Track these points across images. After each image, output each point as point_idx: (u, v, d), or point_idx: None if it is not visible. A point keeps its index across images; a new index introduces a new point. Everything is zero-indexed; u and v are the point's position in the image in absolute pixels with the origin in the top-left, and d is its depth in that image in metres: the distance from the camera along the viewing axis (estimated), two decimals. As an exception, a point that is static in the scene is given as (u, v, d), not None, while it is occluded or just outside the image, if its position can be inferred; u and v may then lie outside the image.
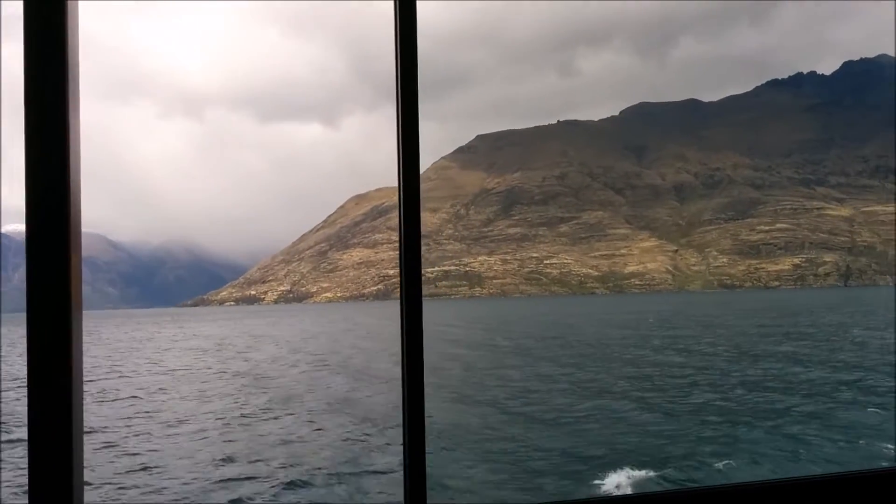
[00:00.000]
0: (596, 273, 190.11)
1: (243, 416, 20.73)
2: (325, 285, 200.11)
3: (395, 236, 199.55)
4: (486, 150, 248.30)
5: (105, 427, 19.45)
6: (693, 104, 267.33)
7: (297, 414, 20.90)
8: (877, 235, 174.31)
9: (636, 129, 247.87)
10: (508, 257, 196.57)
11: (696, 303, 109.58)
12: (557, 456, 14.45)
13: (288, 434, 17.86)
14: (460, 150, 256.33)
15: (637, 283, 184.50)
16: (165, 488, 13.14)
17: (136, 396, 25.74)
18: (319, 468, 14.06)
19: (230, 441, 17.16)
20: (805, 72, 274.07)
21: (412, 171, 1.90)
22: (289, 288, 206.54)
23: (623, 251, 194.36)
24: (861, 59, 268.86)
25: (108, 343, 58.89)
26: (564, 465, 13.72)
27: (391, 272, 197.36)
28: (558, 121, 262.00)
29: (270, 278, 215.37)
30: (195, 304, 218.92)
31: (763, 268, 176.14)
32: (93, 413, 22.08)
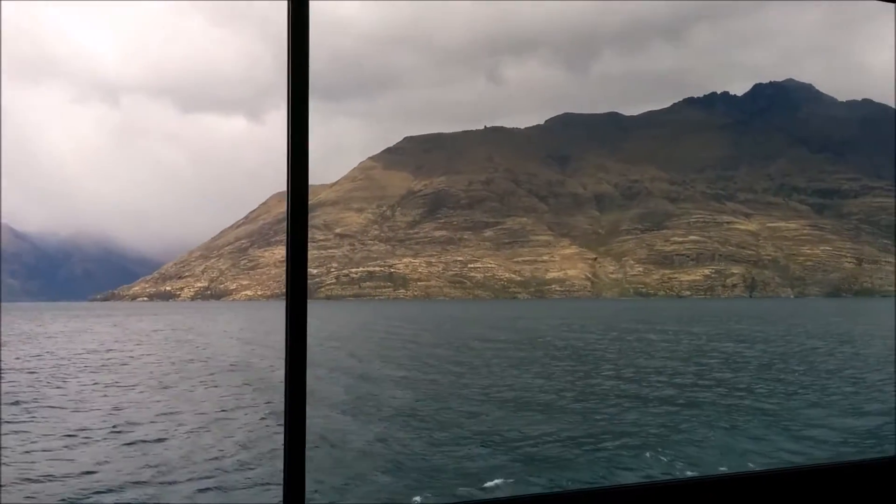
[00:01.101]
0: (519, 278, 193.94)
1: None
2: (245, 283, 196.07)
3: (320, 234, 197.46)
4: (414, 152, 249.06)
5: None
6: (614, 117, 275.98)
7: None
8: (780, 250, 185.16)
9: (560, 139, 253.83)
10: (433, 260, 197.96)
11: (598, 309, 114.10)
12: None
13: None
14: (388, 150, 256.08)
15: (558, 288, 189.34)
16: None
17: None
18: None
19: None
20: (718, 92, 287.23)
21: (300, 175, 1.96)
22: (206, 284, 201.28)
23: (545, 257, 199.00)
24: (770, 82, 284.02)
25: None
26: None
27: (315, 271, 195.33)
28: (485, 126, 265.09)
29: (187, 274, 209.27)
30: (106, 299, 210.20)
31: (676, 277, 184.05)
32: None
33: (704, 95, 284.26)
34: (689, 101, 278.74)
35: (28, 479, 14.14)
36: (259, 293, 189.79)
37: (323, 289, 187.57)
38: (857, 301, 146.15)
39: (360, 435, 17.88)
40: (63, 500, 12.76)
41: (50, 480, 14.11)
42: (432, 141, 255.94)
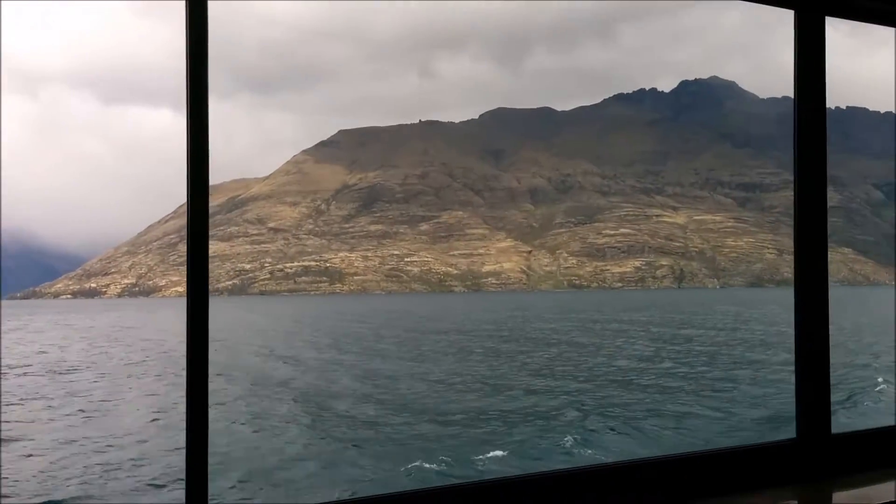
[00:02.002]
0: (455, 271, 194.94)
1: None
2: (175, 279, 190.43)
3: (253, 229, 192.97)
4: (349, 146, 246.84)
5: None
6: (547, 112, 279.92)
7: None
8: (706, 242, 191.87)
9: (494, 133, 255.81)
10: (370, 254, 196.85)
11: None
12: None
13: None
14: (322, 144, 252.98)
15: (494, 281, 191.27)
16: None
17: None
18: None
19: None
20: (647, 88, 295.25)
21: (200, 165, 1.96)
22: (134, 281, 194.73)
23: (481, 251, 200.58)
24: (695, 79, 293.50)
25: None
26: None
27: (248, 266, 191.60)
28: (420, 120, 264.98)
29: (113, 270, 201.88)
30: (25, 297, 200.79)
31: (608, 269, 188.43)
32: None
33: (633, 92, 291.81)
34: (619, 97, 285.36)
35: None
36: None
37: (257, 284, 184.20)
38: (775, 290, 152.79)
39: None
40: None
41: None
42: (367, 134, 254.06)
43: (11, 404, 23.33)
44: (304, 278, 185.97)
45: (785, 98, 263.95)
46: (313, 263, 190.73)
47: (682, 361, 33.44)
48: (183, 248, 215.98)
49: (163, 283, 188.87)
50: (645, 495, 1.90)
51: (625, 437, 16.92)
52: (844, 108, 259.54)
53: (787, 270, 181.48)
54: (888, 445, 1.85)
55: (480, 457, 14.80)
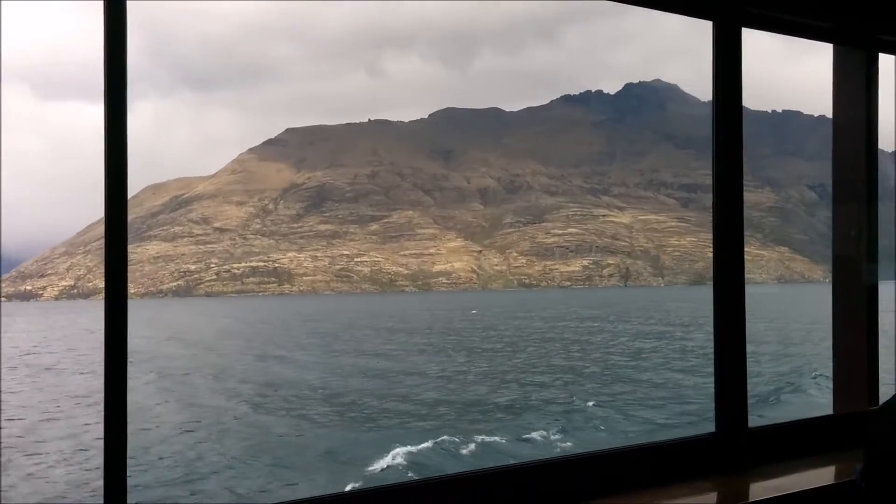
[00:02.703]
0: (406, 271, 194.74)
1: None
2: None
3: (198, 229, 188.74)
4: (297, 145, 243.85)
5: None
6: (496, 112, 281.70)
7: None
8: (651, 241, 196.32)
9: (444, 133, 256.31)
10: (319, 254, 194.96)
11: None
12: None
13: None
14: (269, 142, 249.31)
15: (445, 281, 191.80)
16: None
17: None
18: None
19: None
20: (593, 90, 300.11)
21: (118, 160, 2.02)
22: (72, 283, 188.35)
23: (431, 250, 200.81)
24: (639, 82, 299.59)
25: None
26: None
27: (192, 267, 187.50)
28: (369, 119, 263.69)
29: (50, 272, 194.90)
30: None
31: (556, 269, 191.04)
32: None
33: (579, 93, 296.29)
34: (566, 99, 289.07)
35: None
36: (133, 291, 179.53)
37: (202, 285, 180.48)
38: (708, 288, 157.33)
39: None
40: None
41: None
42: (315, 133, 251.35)
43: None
44: (251, 279, 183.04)
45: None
46: (261, 264, 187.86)
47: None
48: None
49: (102, 284, 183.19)
50: (567, 491, 1.94)
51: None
52: (780, 111, 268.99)
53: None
54: (801, 437, 1.98)
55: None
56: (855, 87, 2.78)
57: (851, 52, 2.74)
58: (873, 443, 1.57)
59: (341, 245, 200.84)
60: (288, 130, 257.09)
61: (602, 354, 36.80)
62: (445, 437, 16.60)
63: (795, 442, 2.06)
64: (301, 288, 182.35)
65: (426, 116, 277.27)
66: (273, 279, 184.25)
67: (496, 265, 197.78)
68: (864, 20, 2.60)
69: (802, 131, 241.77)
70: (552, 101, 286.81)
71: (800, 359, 30.32)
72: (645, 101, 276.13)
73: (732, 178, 2.32)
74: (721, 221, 2.31)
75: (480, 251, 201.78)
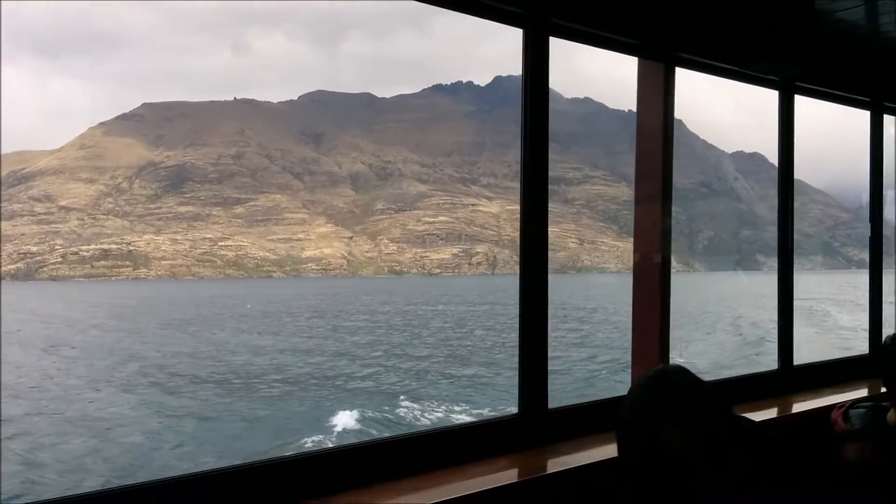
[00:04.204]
0: (274, 256, 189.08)
1: None
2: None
3: (39, 207, 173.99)
4: (155, 121, 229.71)
5: None
6: (368, 98, 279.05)
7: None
8: (518, 231, 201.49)
9: (314, 116, 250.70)
10: (179, 237, 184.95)
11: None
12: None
13: None
14: (124, 117, 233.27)
15: (314, 267, 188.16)
16: None
17: None
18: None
19: None
20: (464, 81, 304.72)
21: None
22: None
23: (301, 236, 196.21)
24: (508, 75, 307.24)
25: None
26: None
27: (34, 248, 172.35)
28: (235, 98, 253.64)
29: None
30: None
31: (427, 256, 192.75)
32: None
33: (451, 84, 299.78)
34: (438, 88, 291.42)
35: None
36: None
37: (46, 269, 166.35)
38: (575, 276, 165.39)
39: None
40: None
41: None
42: (175, 109, 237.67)
43: None
44: (103, 262, 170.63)
45: (587, 99, 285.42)
46: (114, 246, 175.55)
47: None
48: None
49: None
50: (372, 474, 2.04)
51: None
52: (632, 112, 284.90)
53: (588, 258, 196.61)
54: (597, 415, 2.15)
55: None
56: (656, 96, 3.11)
57: (652, 65, 3.06)
58: None
59: (203, 228, 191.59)
60: (145, 105, 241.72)
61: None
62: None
63: (591, 420, 2.24)
64: (159, 272, 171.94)
65: (296, 98, 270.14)
66: (128, 263, 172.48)
67: (367, 252, 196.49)
68: (662, 38, 2.96)
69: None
70: (424, 90, 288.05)
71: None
72: (513, 94, 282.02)
73: (538, 177, 2.54)
74: (527, 214, 2.53)
75: (351, 237, 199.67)
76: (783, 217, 3.57)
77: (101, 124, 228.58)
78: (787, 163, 3.63)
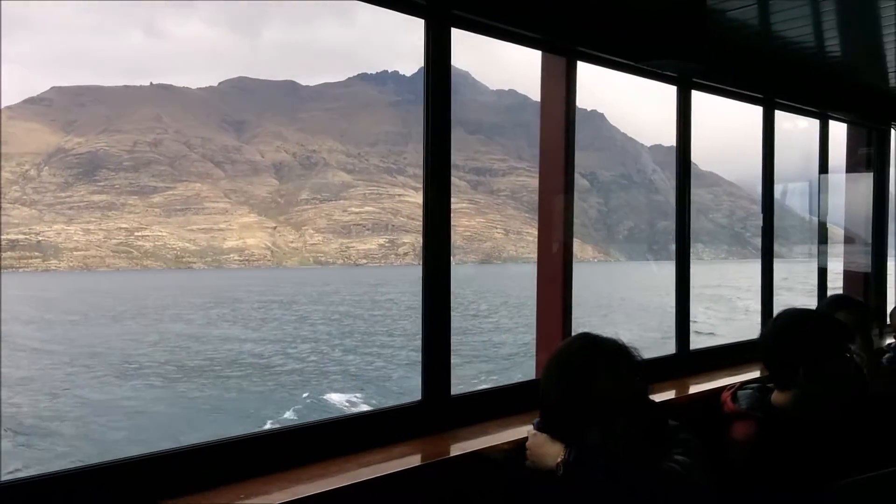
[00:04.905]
0: (194, 247, 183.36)
1: None
2: None
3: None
4: (65, 105, 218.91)
5: None
6: (291, 85, 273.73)
7: None
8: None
9: (236, 103, 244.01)
10: (92, 227, 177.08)
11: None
12: None
13: None
14: (30, 101, 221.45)
15: (237, 258, 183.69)
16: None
17: None
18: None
19: None
20: (390, 70, 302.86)
21: None
22: None
23: (223, 226, 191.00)
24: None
25: None
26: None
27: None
28: (151, 83, 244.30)
29: None
30: None
31: (353, 246, 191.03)
32: None
33: (377, 73, 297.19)
34: (364, 77, 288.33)
35: None
36: None
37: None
38: (500, 266, 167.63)
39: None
40: None
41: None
42: (86, 94, 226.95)
43: None
44: (9, 253, 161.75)
45: (511, 91, 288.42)
46: (21, 237, 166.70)
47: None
48: None
49: None
50: (268, 464, 2.02)
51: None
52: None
53: (513, 249, 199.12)
54: (496, 402, 2.22)
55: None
56: (558, 89, 3.18)
57: (554, 59, 3.13)
58: None
59: (118, 218, 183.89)
60: (54, 89, 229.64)
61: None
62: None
63: (493, 405, 2.31)
64: (71, 264, 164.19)
65: (216, 84, 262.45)
66: (37, 254, 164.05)
67: (291, 242, 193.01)
68: (564, 32, 3.04)
69: (577, 123, 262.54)
70: (349, 79, 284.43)
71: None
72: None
73: (441, 169, 2.53)
74: (429, 204, 2.52)
75: (275, 227, 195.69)
76: (680, 208, 3.72)
77: (7, 108, 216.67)
78: (684, 156, 3.79)
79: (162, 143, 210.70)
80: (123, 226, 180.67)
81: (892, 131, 5.32)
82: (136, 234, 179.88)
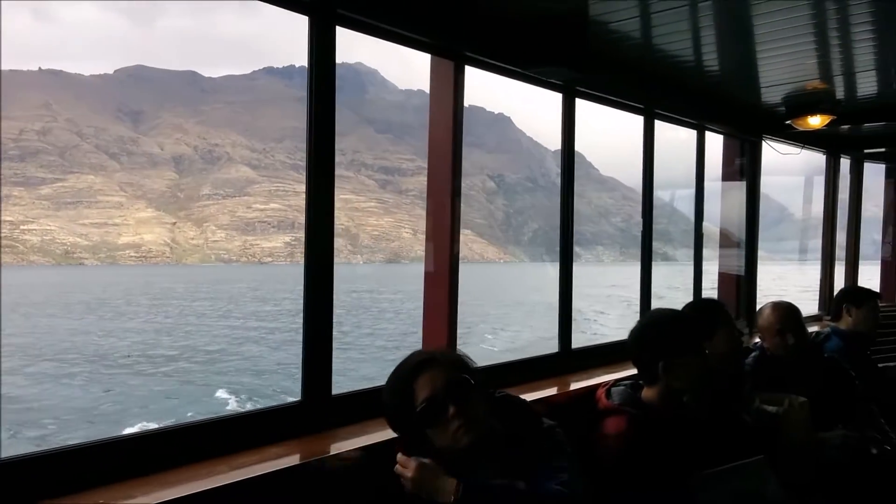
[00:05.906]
0: (86, 242, 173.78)
1: None
2: None
3: None
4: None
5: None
6: (192, 76, 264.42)
7: None
8: (352, 220, 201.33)
9: (132, 93, 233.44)
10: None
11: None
12: None
13: None
14: None
15: (133, 254, 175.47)
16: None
17: None
18: None
19: None
20: (297, 65, 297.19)
21: None
22: None
23: (118, 220, 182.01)
24: (342, 62, 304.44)
25: None
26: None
27: None
28: (40, 68, 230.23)
29: None
30: None
31: (258, 244, 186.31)
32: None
33: (284, 67, 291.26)
34: (270, 71, 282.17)
35: None
36: None
37: None
38: (408, 266, 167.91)
39: None
40: None
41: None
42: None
43: None
44: None
45: (420, 91, 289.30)
46: None
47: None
48: None
49: None
50: (140, 466, 1.97)
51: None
52: (468, 106, 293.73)
53: (420, 248, 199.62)
54: (376, 401, 2.15)
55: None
56: (446, 93, 3.19)
57: (443, 62, 3.15)
58: None
59: (4, 210, 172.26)
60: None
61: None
62: None
63: (374, 405, 2.24)
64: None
65: (111, 72, 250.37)
66: None
67: (192, 239, 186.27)
68: (452, 37, 3.07)
69: (485, 125, 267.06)
70: (255, 72, 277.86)
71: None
72: (347, 83, 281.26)
73: (326, 167, 2.48)
74: (312, 202, 2.44)
75: (175, 223, 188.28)
76: (565, 211, 3.85)
77: None
78: (568, 161, 3.92)
79: (51, 131, 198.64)
80: (8, 219, 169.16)
81: (763, 143, 5.69)
82: (21, 227, 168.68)
